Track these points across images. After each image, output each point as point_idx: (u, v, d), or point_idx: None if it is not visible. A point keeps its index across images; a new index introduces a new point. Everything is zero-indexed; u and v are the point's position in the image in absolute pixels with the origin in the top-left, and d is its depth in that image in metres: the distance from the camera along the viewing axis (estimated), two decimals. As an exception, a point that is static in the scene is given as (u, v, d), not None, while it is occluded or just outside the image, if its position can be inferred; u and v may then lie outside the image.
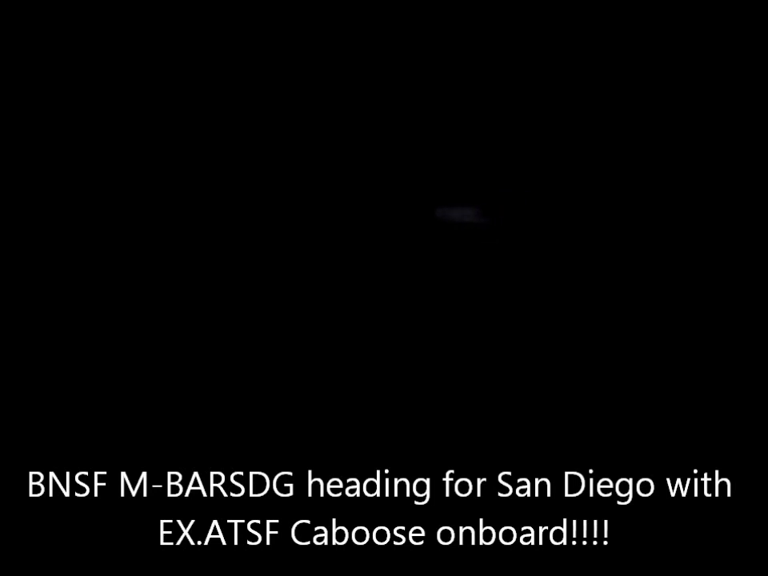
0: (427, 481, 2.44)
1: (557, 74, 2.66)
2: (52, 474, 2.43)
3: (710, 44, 2.63)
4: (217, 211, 2.58)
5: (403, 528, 2.39)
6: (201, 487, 2.43)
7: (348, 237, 2.52)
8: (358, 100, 2.51)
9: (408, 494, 2.44)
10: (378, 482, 2.45)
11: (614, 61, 2.65)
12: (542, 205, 2.65)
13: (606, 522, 2.41)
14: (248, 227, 2.55)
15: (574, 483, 2.44)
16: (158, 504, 2.42)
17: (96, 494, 2.43)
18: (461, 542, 2.39)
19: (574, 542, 2.40)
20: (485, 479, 2.45)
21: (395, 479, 2.45)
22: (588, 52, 2.65)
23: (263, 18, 2.53)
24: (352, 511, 2.42)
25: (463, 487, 2.44)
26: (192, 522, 2.40)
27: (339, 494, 2.44)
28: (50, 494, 2.42)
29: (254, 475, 2.45)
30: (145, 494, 2.43)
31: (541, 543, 2.39)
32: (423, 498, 2.43)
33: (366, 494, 2.44)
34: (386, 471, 2.46)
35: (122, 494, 2.43)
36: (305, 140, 2.53)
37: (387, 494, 2.44)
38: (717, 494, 2.43)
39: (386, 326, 2.59)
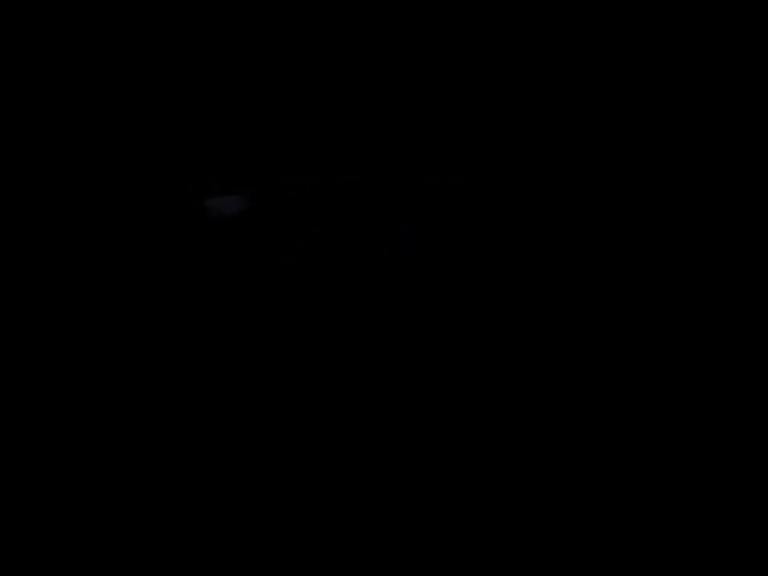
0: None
1: (554, 74, 2.66)
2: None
3: (709, 44, 2.63)
4: None
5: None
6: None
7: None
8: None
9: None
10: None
11: (613, 59, 2.65)
12: (542, 205, 2.65)
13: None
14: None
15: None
16: (157, 504, 2.42)
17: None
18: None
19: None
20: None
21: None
22: (586, 50, 2.65)
23: None
24: (352, 511, 2.42)
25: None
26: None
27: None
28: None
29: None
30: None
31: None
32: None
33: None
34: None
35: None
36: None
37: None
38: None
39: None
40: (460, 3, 2.65)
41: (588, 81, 2.65)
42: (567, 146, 2.66)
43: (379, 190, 2.65)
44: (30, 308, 2.50)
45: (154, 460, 2.47)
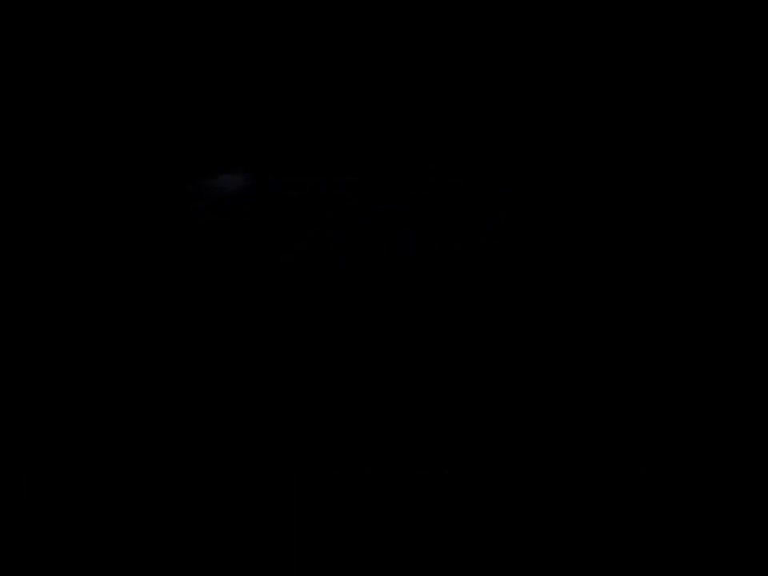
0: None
1: (554, 74, 2.66)
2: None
3: (710, 44, 2.64)
4: None
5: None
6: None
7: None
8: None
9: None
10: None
11: (612, 60, 2.65)
12: (542, 205, 2.65)
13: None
14: None
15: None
16: (157, 504, 2.42)
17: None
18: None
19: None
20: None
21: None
22: (585, 51, 2.65)
23: None
24: (352, 511, 2.42)
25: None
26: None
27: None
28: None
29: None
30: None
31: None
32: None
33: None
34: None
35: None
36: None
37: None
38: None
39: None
40: (459, 3, 2.65)
41: (587, 81, 2.65)
42: (567, 146, 2.66)
43: (379, 189, 2.65)
44: (30, 307, 2.50)
45: (153, 460, 2.47)
